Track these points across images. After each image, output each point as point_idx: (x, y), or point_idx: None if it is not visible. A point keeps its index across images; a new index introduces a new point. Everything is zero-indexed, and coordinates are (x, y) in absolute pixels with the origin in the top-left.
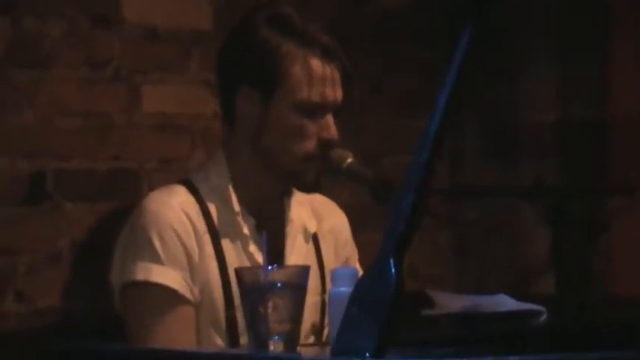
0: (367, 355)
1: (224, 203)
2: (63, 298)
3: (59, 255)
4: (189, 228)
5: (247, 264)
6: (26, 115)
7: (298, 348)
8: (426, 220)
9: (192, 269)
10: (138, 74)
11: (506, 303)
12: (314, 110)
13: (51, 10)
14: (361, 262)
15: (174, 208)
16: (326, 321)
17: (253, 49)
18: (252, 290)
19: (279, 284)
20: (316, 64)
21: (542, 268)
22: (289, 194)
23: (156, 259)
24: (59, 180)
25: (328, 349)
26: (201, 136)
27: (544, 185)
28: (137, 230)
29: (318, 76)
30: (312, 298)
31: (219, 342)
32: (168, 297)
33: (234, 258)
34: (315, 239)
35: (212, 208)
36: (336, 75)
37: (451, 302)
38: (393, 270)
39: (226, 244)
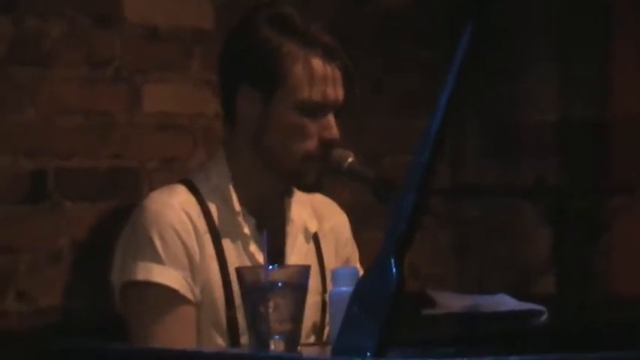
0: (368, 354)
1: (225, 203)
2: (64, 297)
3: (60, 254)
4: (190, 228)
5: (248, 264)
6: (27, 113)
7: (299, 347)
8: (426, 219)
9: (193, 269)
10: (139, 73)
11: (506, 303)
12: (315, 110)
13: (52, 9)
14: (362, 261)
15: (174, 208)
16: (327, 320)
17: (254, 48)
18: (253, 290)
19: (279, 284)
20: (317, 63)
21: (543, 268)
22: (290, 194)
23: (157, 258)
24: (60, 179)
25: (329, 349)
26: (202, 135)
27: (545, 185)
28: (138, 230)
29: (319, 76)
30: (312, 298)
31: (220, 342)
32: (169, 297)
33: (234, 258)
34: (315, 239)
35: (213, 208)
36: (338, 74)
37: (452, 302)
38: (394, 269)
39: (227, 243)
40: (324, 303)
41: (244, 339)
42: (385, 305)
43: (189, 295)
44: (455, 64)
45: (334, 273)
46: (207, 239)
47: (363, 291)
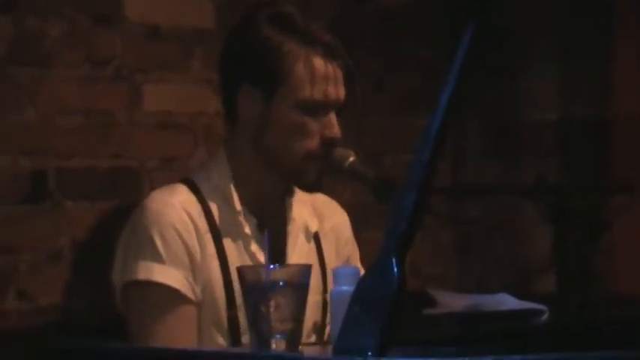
0: (369, 354)
1: (225, 202)
2: (64, 297)
3: (60, 253)
4: (191, 227)
5: (249, 263)
6: (27, 113)
7: (300, 347)
8: (427, 218)
9: (194, 268)
10: (139, 73)
11: (507, 302)
12: (316, 108)
13: (52, 9)
14: (362, 261)
15: (175, 207)
16: (327, 320)
17: (255, 47)
18: (254, 289)
19: (280, 283)
20: (318, 62)
21: (543, 267)
22: (291, 193)
23: (157, 258)
24: (60, 178)
25: (330, 348)
26: (203, 134)
27: (545, 184)
28: (139, 229)
29: (320, 75)
30: (313, 297)
31: (221, 341)
32: (170, 296)
33: (235, 257)
34: (316, 238)
35: (213, 207)
36: (339, 73)
37: (453, 301)
38: (395, 269)
39: (228, 243)
40: (324, 302)
41: (245, 338)
42: (386, 305)
43: (190, 295)
44: (456, 63)
45: (335, 272)
46: (208, 238)
47: (364, 290)
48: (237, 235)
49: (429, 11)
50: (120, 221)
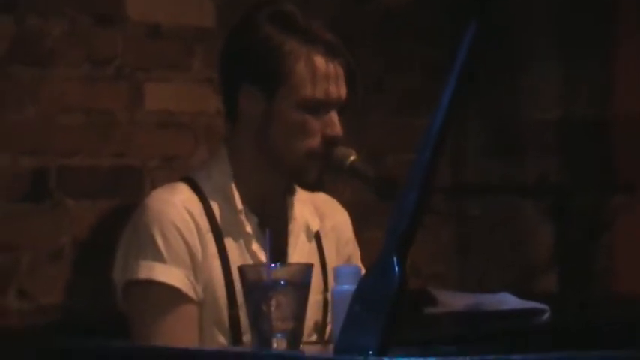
0: (370, 353)
1: (226, 201)
2: (65, 296)
3: (61, 252)
4: (192, 226)
5: (250, 262)
6: (28, 112)
7: (301, 346)
8: (428, 217)
9: (195, 267)
10: (140, 72)
11: (508, 301)
12: (318, 107)
13: (53, 8)
14: (363, 260)
15: (176, 206)
16: (328, 319)
17: (256, 47)
18: (255, 288)
19: (282, 282)
20: (320, 61)
21: (544, 266)
22: (292, 192)
23: (159, 257)
24: (61, 177)
25: (331, 347)
26: (204, 133)
27: (546, 183)
28: (140, 228)
29: (321, 73)
30: (314, 296)
31: (222, 340)
32: (171, 295)
33: (237, 256)
34: (317, 237)
35: (215, 207)
36: (340, 72)
37: (454, 300)
38: (396, 268)
39: (229, 242)
40: (325, 301)
41: (246, 337)
42: (387, 304)
43: (192, 294)
44: (456, 62)
45: (336, 271)
46: (209, 237)
47: (365, 289)
48: (239, 234)
49: (429, 11)
50: (121, 220)
